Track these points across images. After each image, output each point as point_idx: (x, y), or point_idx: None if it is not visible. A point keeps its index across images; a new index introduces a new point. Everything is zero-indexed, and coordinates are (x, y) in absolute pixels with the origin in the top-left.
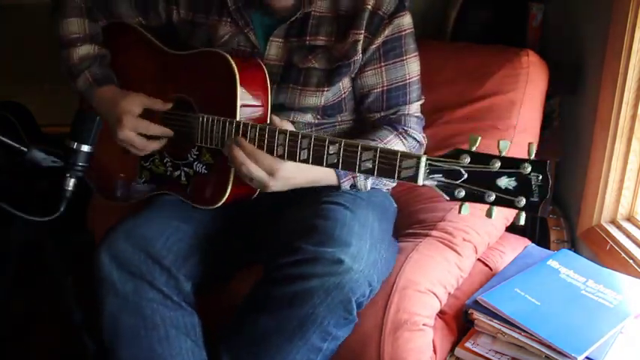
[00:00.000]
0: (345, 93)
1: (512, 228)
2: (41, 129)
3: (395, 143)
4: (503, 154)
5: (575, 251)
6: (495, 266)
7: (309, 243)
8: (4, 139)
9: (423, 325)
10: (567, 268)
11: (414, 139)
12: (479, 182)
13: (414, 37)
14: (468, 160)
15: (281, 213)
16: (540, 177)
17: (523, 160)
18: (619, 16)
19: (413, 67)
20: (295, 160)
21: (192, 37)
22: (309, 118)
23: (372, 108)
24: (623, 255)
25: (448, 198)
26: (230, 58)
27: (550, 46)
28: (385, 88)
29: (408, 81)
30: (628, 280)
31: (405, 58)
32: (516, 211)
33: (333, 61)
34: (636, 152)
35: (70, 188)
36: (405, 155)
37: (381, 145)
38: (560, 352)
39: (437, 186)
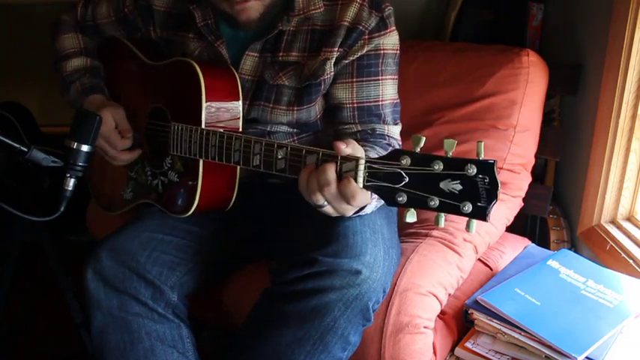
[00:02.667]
0: (319, 114)
1: (512, 228)
2: (41, 129)
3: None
4: (449, 154)
5: (575, 251)
6: (495, 266)
7: (324, 254)
8: (4, 139)
9: (424, 327)
10: (567, 268)
11: None
12: (421, 186)
13: (397, 59)
14: (408, 161)
15: (285, 219)
16: (487, 179)
17: (467, 161)
18: (619, 15)
19: (388, 89)
20: (249, 166)
21: (170, 51)
22: (286, 129)
23: (343, 120)
24: (623, 255)
25: (388, 204)
26: (197, 65)
27: (550, 46)
28: (356, 104)
29: (380, 102)
30: (628, 280)
31: (380, 78)
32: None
33: (303, 79)
34: (636, 152)
35: (70, 188)
36: (345, 158)
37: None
38: (560, 352)
39: (377, 190)
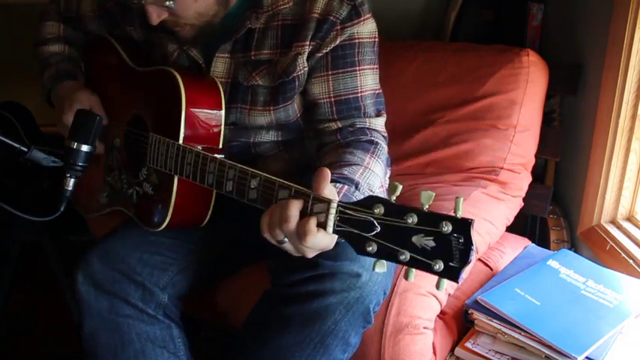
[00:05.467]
0: (299, 113)
1: (512, 228)
2: (41, 129)
3: (375, 167)
4: (426, 207)
5: (575, 251)
6: (495, 266)
7: (325, 257)
8: (4, 139)
9: (424, 328)
10: (567, 268)
11: (383, 159)
12: (392, 238)
13: (375, 48)
14: (381, 210)
15: None
16: (462, 239)
17: (443, 218)
18: (619, 15)
19: (367, 79)
20: (222, 191)
21: (151, 53)
22: (271, 136)
23: (322, 117)
24: (623, 255)
25: (357, 252)
26: (180, 77)
27: (550, 46)
28: (333, 99)
29: (360, 94)
30: (628, 280)
31: (357, 68)
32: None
33: (276, 77)
34: (636, 152)
35: (70, 188)
36: (317, 199)
37: (354, 174)
38: (560, 352)
39: (347, 236)
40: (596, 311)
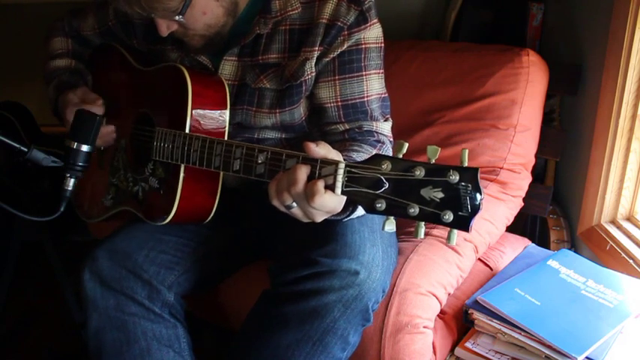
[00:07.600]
0: (305, 116)
1: (512, 228)
2: (41, 129)
3: None
4: (432, 161)
5: (575, 251)
6: (495, 266)
7: (323, 254)
8: (4, 139)
9: (424, 327)
10: (567, 268)
11: None
12: (401, 193)
13: (381, 53)
14: (388, 166)
15: (284, 218)
16: (470, 187)
17: (449, 168)
18: (619, 15)
19: (374, 84)
20: (229, 171)
21: (156, 59)
22: (275, 135)
23: (329, 120)
24: (623, 255)
25: (367, 211)
26: (185, 70)
27: (550, 46)
28: (340, 103)
29: (366, 99)
30: (628, 280)
31: (364, 73)
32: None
33: (284, 81)
34: (636, 152)
35: (69, 188)
36: (325, 162)
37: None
38: (560, 352)
39: (356, 196)
40: (596, 311)
